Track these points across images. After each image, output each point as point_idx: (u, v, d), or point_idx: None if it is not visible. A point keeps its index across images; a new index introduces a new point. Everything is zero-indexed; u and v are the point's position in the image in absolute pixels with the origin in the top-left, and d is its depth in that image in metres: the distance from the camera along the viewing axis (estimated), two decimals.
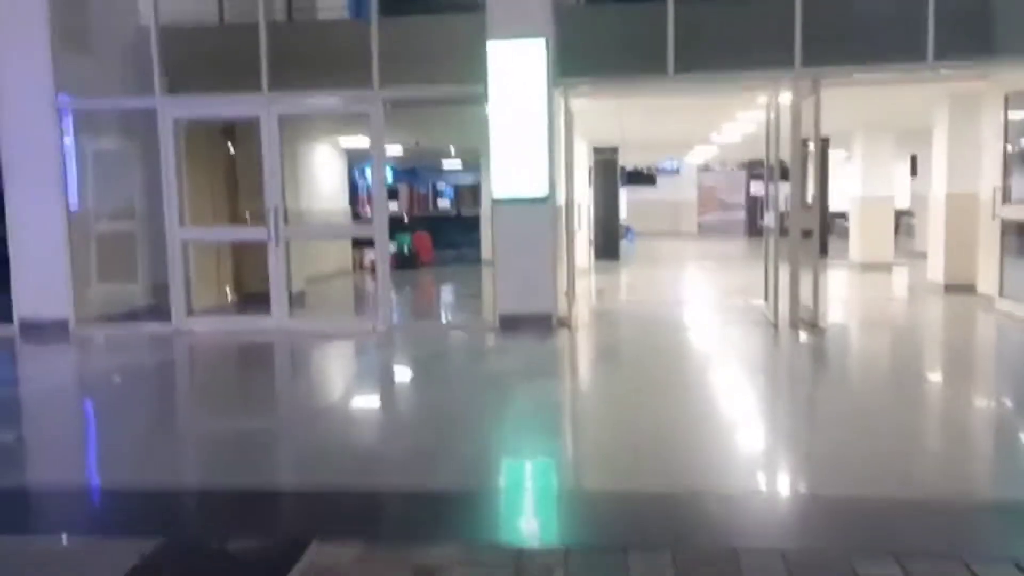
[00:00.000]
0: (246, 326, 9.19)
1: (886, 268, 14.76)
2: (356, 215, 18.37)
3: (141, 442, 5.00)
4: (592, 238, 16.61)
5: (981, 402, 5.77)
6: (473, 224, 16.91)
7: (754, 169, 27.25)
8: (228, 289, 10.83)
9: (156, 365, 7.63)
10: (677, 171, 30.28)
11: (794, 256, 8.29)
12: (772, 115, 8.70)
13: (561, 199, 8.53)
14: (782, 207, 8.86)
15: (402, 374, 7.42)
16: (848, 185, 16.58)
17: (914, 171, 21.65)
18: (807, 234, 8.26)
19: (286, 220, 8.69)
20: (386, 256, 8.78)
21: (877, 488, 3.87)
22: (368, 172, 23.97)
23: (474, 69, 8.19)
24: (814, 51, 7.96)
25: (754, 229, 26.19)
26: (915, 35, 7.78)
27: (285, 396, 6.60)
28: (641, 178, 31.10)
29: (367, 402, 6.37)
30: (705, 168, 30.91)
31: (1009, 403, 5.68)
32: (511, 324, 8.43)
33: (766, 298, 9.12)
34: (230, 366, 7.97)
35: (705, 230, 29.87)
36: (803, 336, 7.94)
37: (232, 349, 8.39)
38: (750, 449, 4.75)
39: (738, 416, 5.43)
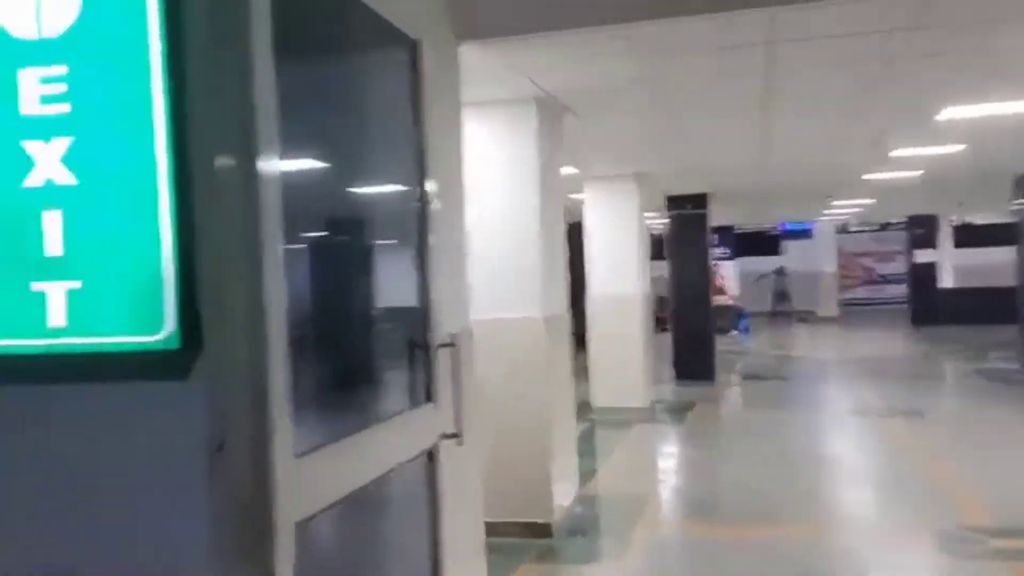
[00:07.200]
0: None
1: None
2: None
3: None
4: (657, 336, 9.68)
5: None
6: None
7: (917, 229, 19.54)
8: None
9: None
10: (809, 233, 22.81)
11: None
12: None
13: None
14: None
15: None
16: None
17: None
18: None
19: None
20: None
21: None
22: None
23: None
24: None
25: (923, 314, 18.47)
26: None
27: None
28: (760, 244, 23.71)
29: None
30: (845, 229, 23.37)
31: None
32: None
33: None
34: None
35: (849, 312, 22.15)
36: None
37: None
38: None
39: None
